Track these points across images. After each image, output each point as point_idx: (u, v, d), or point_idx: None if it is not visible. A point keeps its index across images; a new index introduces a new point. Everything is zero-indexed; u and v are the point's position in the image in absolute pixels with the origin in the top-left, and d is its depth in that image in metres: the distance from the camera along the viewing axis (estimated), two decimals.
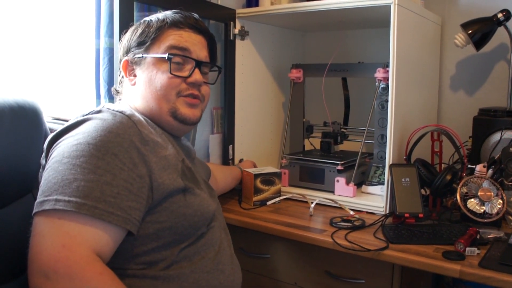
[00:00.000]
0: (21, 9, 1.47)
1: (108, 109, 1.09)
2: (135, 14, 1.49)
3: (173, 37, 1.18)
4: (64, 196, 0.89)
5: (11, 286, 1.09)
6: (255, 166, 1.95)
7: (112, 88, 1.31)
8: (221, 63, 1.90)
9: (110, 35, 1.51)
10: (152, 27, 1.19)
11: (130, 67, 1.21)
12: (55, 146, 1.01)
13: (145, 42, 1.18)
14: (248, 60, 2.00)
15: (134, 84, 1.20)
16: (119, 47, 1.27)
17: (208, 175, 1.50)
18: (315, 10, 1.71)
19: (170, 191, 1.03)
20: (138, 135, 1.02)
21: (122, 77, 1.24)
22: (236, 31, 1.90)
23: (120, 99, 1.26)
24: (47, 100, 1.56)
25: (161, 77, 1.16)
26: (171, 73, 1.15)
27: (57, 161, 0.95)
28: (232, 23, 1.89)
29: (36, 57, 1.53)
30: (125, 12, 1.40)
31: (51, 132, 1.30)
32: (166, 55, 1.15)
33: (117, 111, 1.08)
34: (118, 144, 0.97)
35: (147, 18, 1.23)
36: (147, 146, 1.02)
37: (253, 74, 2.04)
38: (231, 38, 1.89)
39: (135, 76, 1.20)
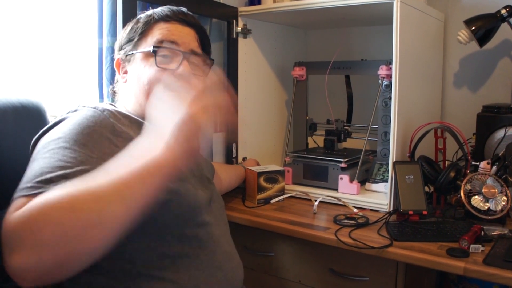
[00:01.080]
0: (23, 9, 1.47)
1: (84, 106, 1.09)
2: (138, 12, 1.49)
3: (160, 31, 1.17)
4: (27, 183, 0.84)
5: (13, 286, 1.09)
6: (258, 165, 1.95)
7: (109, 88, 1.30)
8: (224, 62, 1.90)
9: (113, 34, 1.52)
10: (140, 23, 1.19)
11: (122, 65, 1.21)
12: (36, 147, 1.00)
13: (134, 38, 1.18)
14: (251, 58, 2.00)
15: (126, 81, 1.20)
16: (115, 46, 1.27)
17: (212, 173, 1.49)
18: (318, 8, 1.70)
19: None
20: (110, 127, 1.02)
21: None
22: (239, 29, 1.90)
23: (117, 100, 1.25)
24: (50, 99, 1.56)
25: (148, 71, 1.14)
26: (157, 65, 1.13)
27: (32, 159, 0.94)
28: (234, 21, 1.88)
29: (38, 56, 1.53)
30: (128, 11, 1.41)
31: None
32: (151, 48, 1.14)
33: (91, 107, 1.07)
34: (87, 134, 0.96)
35: (138, 16, 1.24)
36: (119, 137, 1.01)
37: (256, 72, 2.04)
38: (234, 36, 1.89)
39: (126, 73, 1.20)
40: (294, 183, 1.89)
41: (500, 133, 1.66)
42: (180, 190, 1.07)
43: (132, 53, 1.17)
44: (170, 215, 1.04)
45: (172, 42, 1.16)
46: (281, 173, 1.78)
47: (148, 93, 1.12)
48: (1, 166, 1.08)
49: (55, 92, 1.59)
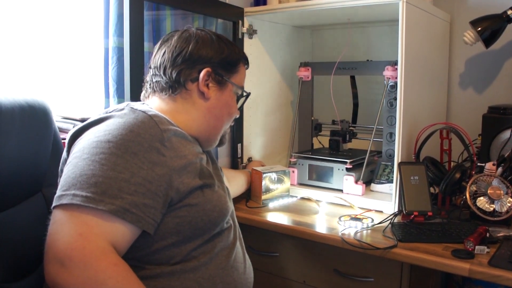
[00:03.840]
0: (30, 9, 1.48)
1: (132, 108, 1.09)
2: (145, 13, 1.49)
3: (243, 77, 1.29)
4: (82, 191, 0.90)
5: (22, 284, 1.10)
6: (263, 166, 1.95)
7: (167, 93, 1.18)
8: None
9: (119, 34, 1.52)
10: (234, 55, 1.24)
11: (208, 80, 1.19)
12: (77, 142, 1.03)
13: (232, 68, 1.23)
14: (257, 59, 2.00)
15: (208, 98, 1.19)
16: (179, 48, 1.18)
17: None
18: (323, 8, 1.70)
19: (189, 190, 1.03)
20: (159, 135, 1.02)
21: (184, 81, 1.17)
22: (244, 29, 1.90)
23: (156, 101, 1.20)
24: (56, 99, 1.57)
25: (232, 107, 1.25)
26: (238, 108, 1.28)
27: (77, 156, 0.97)
28: (240, 21, 1.89)
29: (45, 56, 1.54)
30: (135, 11, 1.41)
31: (60, 131, 1.31)
32: (246, 91, 1.29)
33: (140, 110, 1.07)
34: (138, 143, 0.98)
35: (220, 38, 1.24)
36: (167, 146, 1.02)
37: (261, 73, 2.04)
38: (240, 36, 1.89)
39: (208, 89, 1.19)
40: (299, 183, 1.89)
41: (506, 134, 1.65)
42: (215, 197, 1.11)
43: (226, 80, 1.22)
44: (205, 219, 1.07)
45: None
46: (286, 173, 1.79)
47: (222, 125, 1.25)
48: (8, 165, 1.08)
49: (61, 91, 1.60)
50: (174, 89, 1.17)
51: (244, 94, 1.29)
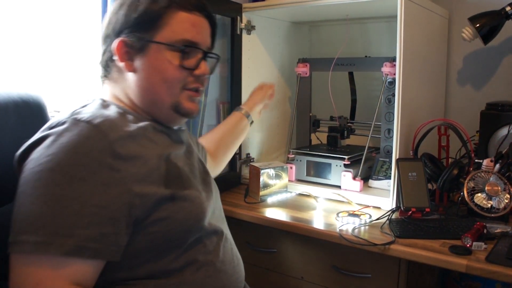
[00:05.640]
0: (27, 4, 1.47)
1: (75, 119, 0.94)
2: None
3: (184, 26, 1.04)
4: (30, 235, 0.83)
5: None
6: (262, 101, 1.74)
7: (101, 75, 1.11)
8: (228, 58, 1.90)
9: None
10: (158, 6, 1.02)
11: (126, 50, 1.03)
12: (24, 167, 0.92)
13: (151, 24, 1.02)
14: (255, 55, 2.00)
15: (133, 71, 1.04)
16: (105, 22, 1.08)
17: (204, 156, 1.39)
18: (322, 4, 1.70)
19: (154, 202, 0.94)
20: (108, 148, 0.90)
21: (111, 60, 1.06)
22: (243, 25, 1.90)
23: (107, 87, 1.10)
24: (52, 94, 1.56)
25: (168, 68, 1.03)
26: (181, 65, 1.04)
27: (22, 192, 0.88)
28: (238, 17, 1.88)
29: (40, 50, 1.53)
30: None
31: None
32: (179, 46, 1.03)
33: (84, 120, 0.93)
34: (85, 166, 0.87)
35: None
36: (121, 156, 0.91)
37: (259, 69, 2.04)
38: (238, 32, 1.89)
39: (132, 61, 1.03)
40: (297, 179, 1.89)
41: (503, 131, 1.65)
42: (186, 205, 1.01)
43: (148, 41, 1.02)
44: (179, 229, 0.98)
45: (197, 42, 1.06)
46: (284, 169, 1.79)
47: (165, 90, 1.04)
48: (1, 161, 1.08)
49: (55, 86, 1.59)
50: (108, 72, 1.07)
51: (180, 50, 1.03)
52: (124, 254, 0.91)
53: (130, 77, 1.05)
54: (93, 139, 0.90)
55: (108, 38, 1.06)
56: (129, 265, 0.94)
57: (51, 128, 0.95)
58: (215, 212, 1.15)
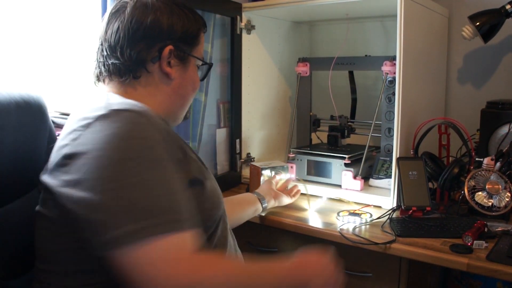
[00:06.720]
0: (27, 4, 1.47)
1: (112, 109, 0.93)
2: None
3: (203, 43, 1.15)
4: (153, 219, 0.82)
5: (20, 282, 1.10)
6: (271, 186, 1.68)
7: (127, 77, 1.05)
8: (228, 57, 1.90)
9: None
10: (196, 25, 1.09)
11: (171, 58, 1.05)
12: (70, 167, 0.89)
13: (193, 40, 1.09)
14: (255, 54, 2.00)
15: (173, 79, 1.07)
16: (129, 21, 1.02)
17: None
18: (322, 3, 1.70)
19: (190, 182, 0.98)
20: (164, 130, 0.95)
21: (142, 63, 1.04)
22: (242, 25, 1.90)
23: (124, 87, 1.06)
24: (53, 94, 1.56)
25: (197, 79, 1.14)
26: (201, 80, 1.17)
27: (108, 189, 0.84)
28: (238, 17, 1.88)
29: (41, 51, 1.53)
30: None
31: (57, 127, 1.30)
32: (208, 62, 1.17)
33: (126, 109, 0.93)
34: (158, 146, 0.90)
35: (180, 7, 1.08)
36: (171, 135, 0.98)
37: (259, 68, 2.04)
38: (238, 32, 1.89)
39: (171, 68, 1.06)
40: (298, 179, 1.88)
41: (504, 129, 1.65)
42: (211, 193, 1.05)
43: (189, 55, 1.09)
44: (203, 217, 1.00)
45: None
46: (284, 169, 1.79)
47: (187, 100, 1.15)
48: (4, 162, 1.08)
49: (57, 87, 1.59)
50: (135, 73, 1.03)
51: (205, 63, 1.16)
52: None
53: (164, 83, 1.07)
54: (150, 123, 0.92)
55: (146, 40, 1.03)
56: None
57: (86, 126, 0.92)
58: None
